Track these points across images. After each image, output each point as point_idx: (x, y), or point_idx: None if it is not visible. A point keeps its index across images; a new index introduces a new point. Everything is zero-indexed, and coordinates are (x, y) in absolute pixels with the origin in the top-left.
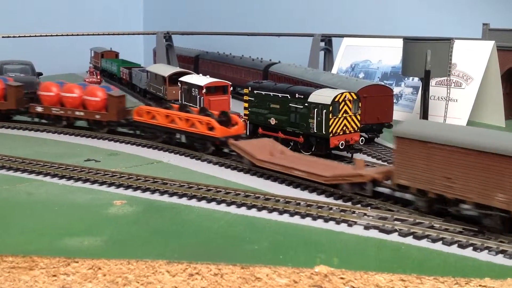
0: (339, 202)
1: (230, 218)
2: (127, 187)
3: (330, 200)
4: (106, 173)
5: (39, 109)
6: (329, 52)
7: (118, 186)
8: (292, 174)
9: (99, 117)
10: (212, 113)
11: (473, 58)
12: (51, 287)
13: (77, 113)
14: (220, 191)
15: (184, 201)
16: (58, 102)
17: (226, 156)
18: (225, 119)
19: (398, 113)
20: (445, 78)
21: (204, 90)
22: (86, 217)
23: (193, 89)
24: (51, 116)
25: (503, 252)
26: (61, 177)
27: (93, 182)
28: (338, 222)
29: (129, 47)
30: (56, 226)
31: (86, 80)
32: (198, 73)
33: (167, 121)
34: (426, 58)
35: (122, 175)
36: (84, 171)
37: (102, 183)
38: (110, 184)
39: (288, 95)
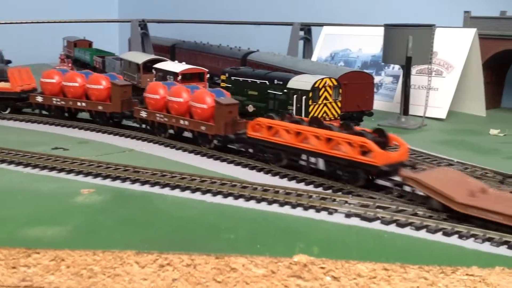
0: (319, 190)
1: (205, 207)
2: (96, 175)
3: (310, 188)
4: (74, 161)
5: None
6: (308, 41)
7: (87, 174)
8: None
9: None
10: (365, 130)
11: (454, 46)
12: (10, 280)
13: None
14: (195, 179)
15: (156, 189)
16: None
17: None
18: (382, 139)
19: (378, 103)
20: (426, 66)
21: (179, 77)
22: (51, 206)
23: (168, 76)
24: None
25: (489, 239)
26: (26, 165)
27: (60, 170)
28: (318, 210)
29: (104, 36)
30: (18, 215)
31: (57, 68)
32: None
33: (297, 139)
34: (408, 44)
35: (91, 163)
36: (51, 159)
37: (69, 172)
38: (78, 173)
39: (266, 81)
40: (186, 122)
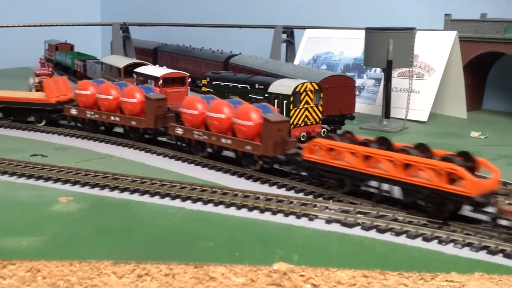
0: (300, 195)
1: (185, 214)
2: (75, 182)
3: (291, 193)
4: (52, 168)
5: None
6: (291, 44)
7: (65, 182)
8: None
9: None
10: (452, 155)
11: (435, 49)
12: None
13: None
14: (175, 185)
15: (135, 197)
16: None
17: (182, 150)
18: (470, 164)
19: (360, 105)
20: (407, 69)
21: (160, 82)
22: (27, 215)
23: (149, 80)
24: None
25: (469, 245)
26: (3, 172)
27: (38, 178)
28: (298, 217)
29: (86, 40)
30: None
31: (37, 72)
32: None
33: (365, 164)
34: (388, 48)
35: (70, 171)
36: (29, 166)
37: (47, 179)
38: (56, 180)
39: (247, 86)
40: (229, 141)
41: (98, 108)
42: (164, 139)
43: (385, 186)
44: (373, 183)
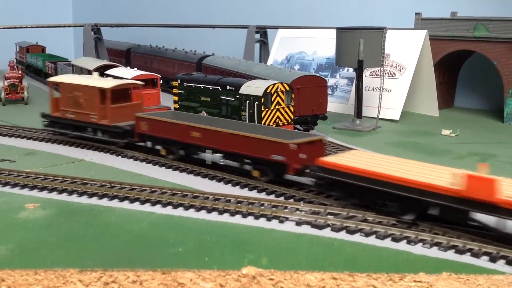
0: (271, 197)
1: (154, 219)
2: (42, 188)
3: (262, 195)
4: (19, 174)
5: None
6: (264, 44)
7: (32, 188)
8: None
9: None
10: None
11: (406, 47)
12: None
13: None
14: (145, 189)
15: (104, 202)
16: None
17: (153, 152)
18: None
19: (333, 105)
20: (379, 68)
21: None
22: None
23: None
24: None
25: (437, 244)
26: None
27: (4, 184)
28: (269, 219)
29: (58, 41)
30: None
31: (6, 75)
32: (131, 67)
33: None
34: (359, 48)
35: (38, 176)
36: None
37: (14, 185)
38: (23, 186)
39: (218, 87)
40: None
41: None
42: None
43: None
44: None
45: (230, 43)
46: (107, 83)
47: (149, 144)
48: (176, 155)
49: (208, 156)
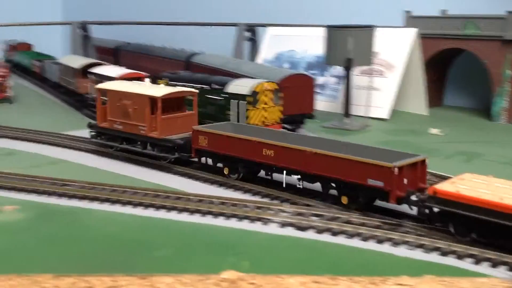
0: (256, 198)
1: (135, 221)
2: (20, 190)
3: (247, 196)
4: None
5: None
6: (254, 42)
7: (10, 189)
8: None
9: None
10: None
11: (395, 46)
12: None
13: None
14: (126, 191)
15: (84, 204)
16: None
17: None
18: None
19: (323, 103)
20: (368, 67)
21: None
22: None
23: (104, 81)
24: None
25: (421, 246)
26: None
27: None
28: (252, 221)
29: (47, 39)
30: None
31: None
32: (120, 66)
33: None
34: (348, 46)
35: (16, 177)
36: None
37: None
38: (1, 187)
39: (205, 86)
40: None
41: None
42: None
43: None
44: None
45: (220, 41)
46: (159, 91)
47: (208, 161)
48: (241, 174)
49: (284, 177)
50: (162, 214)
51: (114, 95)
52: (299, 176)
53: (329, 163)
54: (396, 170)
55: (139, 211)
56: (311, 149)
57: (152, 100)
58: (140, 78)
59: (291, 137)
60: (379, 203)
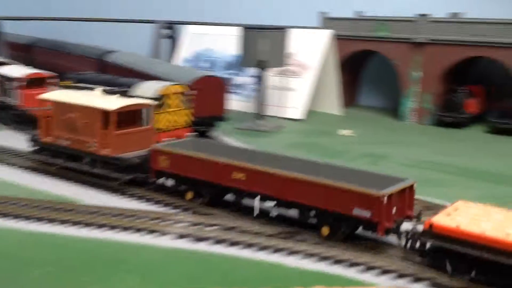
0: (156, 208)
1: (24, 237)
2: None
3: (150, 206)
4: None
5: None
6: (174, 40)
7: None
8: None
9: None
10: None
11: (310, 47)
12: None
13: None
14: (15, 203)
15: None
16: None
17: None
18: None
19: (239, 104)
20: (282, 68)
21: (20, 83)
22: None
23: (6, 82)
24: None
25: (312, 255)
26: None
27: None
28: (148, 233)
29: None
30: None
31: None
32: (34, 63)
33: None
34: (259, 47)
35: None
36: None
37: None
38: None
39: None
40: None
41: None
42: None
43: None
44: None
45: (141, 39)
46: (112, 103)
47: (169, 183)
48: (206, 199)
49: (256, 204)
50: (56, 228)
51: (60, 107)
52: (274, 203)
53: (308, 189)
54: (385, 199)
55: (31, 225)
56: (288, 173)
57: (105, 113)
58: (44, 79)
59: (265, 156)
60: None
